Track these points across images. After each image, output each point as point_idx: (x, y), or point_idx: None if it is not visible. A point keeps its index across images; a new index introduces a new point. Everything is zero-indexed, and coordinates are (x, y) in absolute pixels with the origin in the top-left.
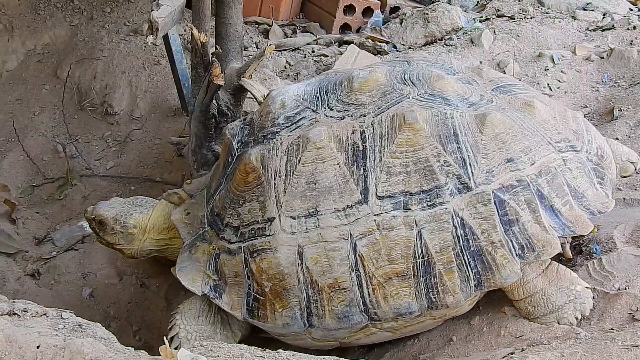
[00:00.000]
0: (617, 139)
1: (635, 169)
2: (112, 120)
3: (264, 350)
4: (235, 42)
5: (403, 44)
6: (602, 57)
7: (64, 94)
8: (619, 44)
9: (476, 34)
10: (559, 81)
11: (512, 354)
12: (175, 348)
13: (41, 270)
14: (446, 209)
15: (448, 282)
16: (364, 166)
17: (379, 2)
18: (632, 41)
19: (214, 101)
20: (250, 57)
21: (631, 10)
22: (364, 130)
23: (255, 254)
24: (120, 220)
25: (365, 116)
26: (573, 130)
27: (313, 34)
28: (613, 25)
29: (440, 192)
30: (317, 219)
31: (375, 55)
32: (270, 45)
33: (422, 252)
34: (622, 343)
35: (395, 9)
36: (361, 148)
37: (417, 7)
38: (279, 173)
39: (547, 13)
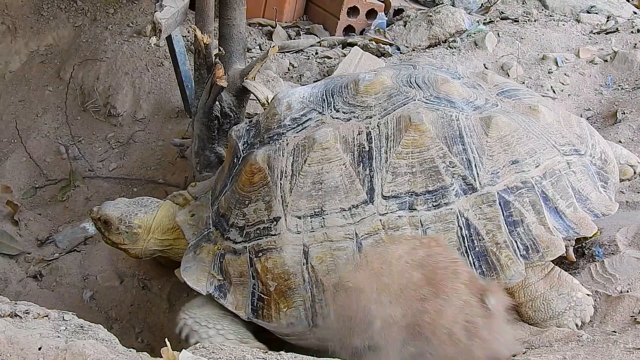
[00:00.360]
0: (620, 142)
1: (635, 172)
2: (115, 121)
3: (266, 352)
4: (239, 43)
5: (407, 46)
6: (606, 60)
7: (67, 95)
8: (622, 47)
9: (480, 37)
10: (563, 84)
11: (514, 356)
12: (186, 337)
13: (43, 272)
14: (451, 209)
15: None
16: (369, 166)
17: (383, 4)
18: (635, 44)
19: (217, 103)
20: (254, 58)
21: (635, 13)
22: (370, 132)
23: (260, 254)
24: (125, 220)
25: (371, 118)
26: (577, 134)
27: (317, 36)
28: (617, 29)
29: (446, 193)
30: (323, 218)
31: (379, 57)
32: (273, 46)
33: None
34: (624, 346)
35: (399, 11)
36: (367, 149)
37: (421, 9)
38: (285, 173)
39: (551, 16)
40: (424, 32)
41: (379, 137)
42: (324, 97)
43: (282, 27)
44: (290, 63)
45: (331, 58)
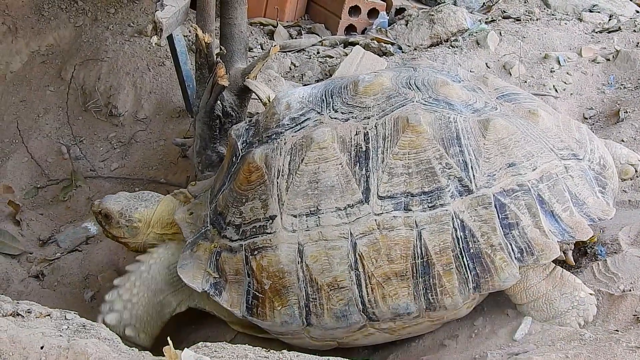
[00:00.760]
0: (622, 140)
1: (636, 171)
2: (116, 121)
3: (268, 350)
4: (240, 43)
5: (408, 46)
6: (608, 59)
7: (68, 95)
8: (625, 46)
9: (482, 36)
10: (565, 83)
11: (516, 354)
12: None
13: (45, 271)
14: (447, 210)
15: (447, 284)
16: (366, 166)
17: (385, 4)
18: (638, 43)
19: (218, 102)
20: (255, 58)
21: (638, 12)
22: (367, 132)
23: (256, 252)
24: (126, 214)
25: (369, 118)
26: (576, 139)
27: (318, 35)
28: (619, 27)
29: (442, 194)
30: (318, 217)
31: (380, 56)
32: (275, 46)
33: (421, 252)
34: (627, 344)
35: (400, 10)
36: (364, 149)
37: (423, 8)
38: (282, 172)
39: (553, 15)
40: (426, 31)
41: (376, 138)
42: (323, 97)
43: (284, 26)
44: (291, 62)
45: (333, 57)
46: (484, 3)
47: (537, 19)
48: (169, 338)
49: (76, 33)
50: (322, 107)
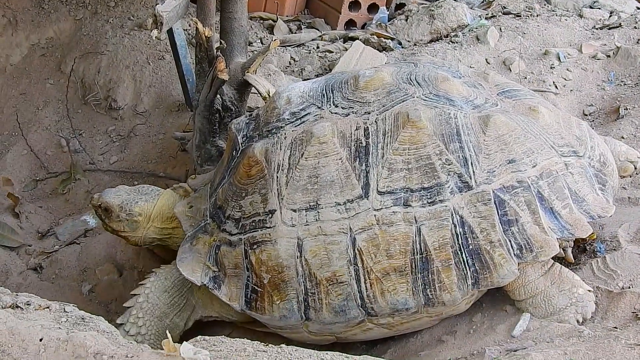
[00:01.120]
0: (622, 137)
1: (635, 168)
2: (116, 115)
3: (267, 345)
4: (240, 37)
5: (408, 41)
6: (609, 56)
7: (67, 89)
8: (625, 42)
9: (482, 31)
10: (565, 79)
11: (515, 351)
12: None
13: (43, 264)
14: (446, 206)
15: (445, 280)
16: (366, 162)
17: None
18: (638, 40)
19: (218, 96)
20: (255, 52)
21: (638, 9)
22: (367, 127)
23: (255, 246)
24: (126, 208)
25: (369, 113)
26: (576, 136)
27: (318, 30)
28: (620, 24)
29: (441, 190)
30: (318, 212)
31: (380, 52)
32: (275, 40)
33: (420, 248)
34: (626, 341)
35: (400, 6)
36: (364, 144)
37: (423, 3)
38: (282, 166)
39: (553, 11)
40: (426, 27)
41: (376, 133)
42: (324, 92)
43: (284, 20)
44: (291, 57)
45: (332, 52)
46: None
47: (537, 15)
48: (167, 332)
49: (76, 26)
50: (322, 101)
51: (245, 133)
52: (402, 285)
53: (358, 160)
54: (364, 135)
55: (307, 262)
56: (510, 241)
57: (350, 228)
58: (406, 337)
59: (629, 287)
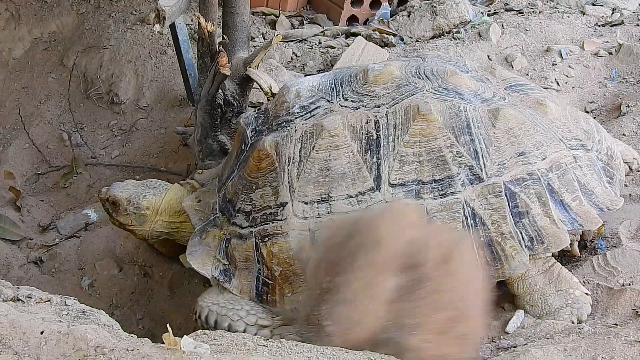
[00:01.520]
0: (624, 135)
1: (631, 169)
2: (117, 109)
3: (267, 339)
4: (242, 32)
5: (410, 37)
6: (611, 53)
7: (70, 83)
8: (627, 39)
9: (484, 28)
10: (567, 76)
11: (514, 347)
12: (215, 323)
13: (43, 258)
14: (457, 198)
15: None
16: (377, 154)
17: None
18: None
19: (220, 91)
20: (257, 47)
21: None
22: (378, 120)
23: (266, 239)
24: (134, 202)
25: (379, 107)
26: (584, 129)
27: (320, 26)
28: (622, 21)
29: (452, 182)
30: (330, 204)
31: (382, 47)
32: (277, 35)
33: None
34: (626, 338)
35: (403, 2)
36: (375, 137)
37: None
38: (293, 159)
39: (555, 8)
40: (428, 23)
41: (387, 126)
42: (333, 86)
43: (286, 16)
44: (293, 52)
45: (334, 48)
46: None
47: (539, 12)
48: (168, 325)
49: (79, 20)
50: (332, 95)
51: (254, 127)
52: None
53: (369, 152)
54: (375, 128)
55: None
56: (521, 233)
57: None
58: None
59: (629, 284)
